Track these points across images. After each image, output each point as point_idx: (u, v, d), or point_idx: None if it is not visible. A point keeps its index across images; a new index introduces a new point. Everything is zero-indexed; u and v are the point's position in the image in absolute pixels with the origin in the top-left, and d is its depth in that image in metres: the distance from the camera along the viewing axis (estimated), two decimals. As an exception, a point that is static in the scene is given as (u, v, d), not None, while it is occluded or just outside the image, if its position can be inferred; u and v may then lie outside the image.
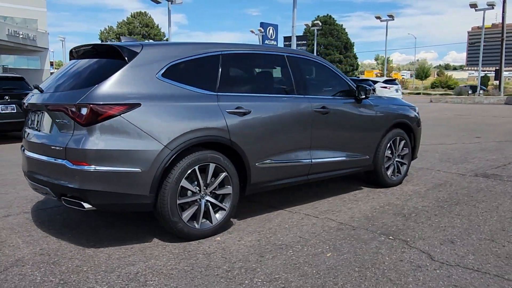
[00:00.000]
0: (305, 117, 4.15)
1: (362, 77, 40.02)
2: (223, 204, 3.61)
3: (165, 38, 72.00)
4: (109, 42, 3.49)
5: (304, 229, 3.76)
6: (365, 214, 4.19)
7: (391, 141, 5.13)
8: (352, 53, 59.87)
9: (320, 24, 44.60)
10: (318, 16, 59.09)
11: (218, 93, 3.61)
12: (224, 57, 3.77)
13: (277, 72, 4.32)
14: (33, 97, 3.62)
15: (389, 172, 5.20)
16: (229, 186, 3.61)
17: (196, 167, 3.38)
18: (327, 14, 59.10)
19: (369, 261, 3.09)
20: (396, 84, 22.77)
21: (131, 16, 70.52)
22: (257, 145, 3.77)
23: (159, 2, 28.65)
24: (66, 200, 3.17)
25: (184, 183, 3.32)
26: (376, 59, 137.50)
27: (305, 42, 22.71)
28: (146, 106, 3.17)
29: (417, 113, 5.65)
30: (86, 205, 3.08)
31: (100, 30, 72.70)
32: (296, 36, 22.48)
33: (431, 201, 4.65)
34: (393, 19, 41.39)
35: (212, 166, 3.47)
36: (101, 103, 3.02)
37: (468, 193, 4.98)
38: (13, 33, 34.39)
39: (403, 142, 5.31)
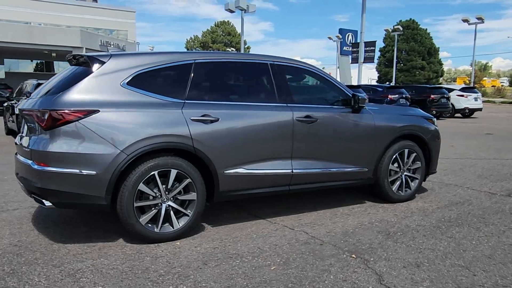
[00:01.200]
0: (285, 126, 4.06)
1: (444, 84, 37.65)
2: (187, 210, 3.67)
3: (245, 46, 73.94)
4: (84, 53, 3.72)
5: (269, 241, 3.69)
6: (346, 230, 3.98)
7: (397, 154, 4.81)
8: (437, 59, 56.36)
9: (401, 29, 42.68)
10: (400, 20, 56.63)
11: (186, 101, 3.69)
12: (197, 66, 3.84)
13: (257, 80, 4.28)
14: (21, 103, 3.99)
15: (394, 187, 4.87)
16: (193, 193, 3.66)
17: (156, 172, 3.48)
18: (410, 19, 56.33)
19: (311, 277, 2.96)
20: (476, 93, 21.03)
21: (215, 25, 73.36)
22: (226, 153, 3.78)
23: (233, 11, 29.54)
24: (34, 198, 3.44)
25: (141, 187, 3.44)
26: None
27: (373, 48, 21.87)
28: (105, 113, 3.34)
29: (435, 125, 5.24)
30: (47, 203, 3.33)
31: (186, 39, 76.58)
32: (365, 42, 21.78)
33: (432, 220, 4.29)
34: (483, 22, 38.34)
35: (173, 172, 3.55)
36: (59, 109, 3.25)
37: (482, 214, 4.51)
38: (104, 43, 37.52)
39: (413, 155, 4.95)
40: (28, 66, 39.69)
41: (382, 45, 58.16)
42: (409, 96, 17.71)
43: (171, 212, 3.60)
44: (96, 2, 44.41)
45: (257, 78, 4.24)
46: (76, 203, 3.38)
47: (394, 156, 4.81)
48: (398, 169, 4.89)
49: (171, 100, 3.64)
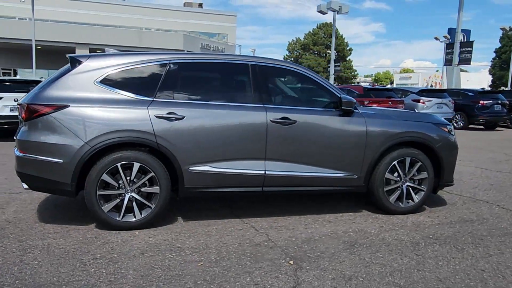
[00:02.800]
0: (257, 127, 4.05)
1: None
2: (151, 202, 3.88)
3: (347, 48, 72.40)
4: (72, 55, 4.12)
5: (223, 239, 3.73)
6: (311, 237, 3.85)
7: (395, 162, 4.48)
8: None
9: (521, 27, 38.22)
10: (523, 18, 50.48)
11: (154, 99, 3.90)
12: (172, 65, 4.03)
13: (234, 81, 4.32)
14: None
15: (392, 197, 4.54)
16: (156, 186, 3.86)
17: (119, 164, 3.75)
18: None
19: (227, 277, 2.97)
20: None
21: (317, 27, 73.05)
22: (191, 150, 3.90)
23: (325, 13, 29.23)
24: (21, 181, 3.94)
25: (105, 177, 3.73)
26: None
27: (469, 49, 19.86)
28: (74, 108, 3.70)
29: (449, 132, 4.75)
30: (24, 186, 3.80)
31: (288, 41, 77.46)
32: (460, 43, 19.97)
33: (417, 236, 3.93)
34: None
35: (136, 165, 3.79)
36: (35, 103, 3.69)
37: (486, 235, 4.01)
38: (205, 46, 39.78)
39: (418, 164, 4.56)
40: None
41: (499, 45, 52.56)
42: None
43: (134, 203, 3.84)
44: (201, 7, 47.17)
45: (234, 79, 4.29)
46: (46, 188, 3.80)
47: (392, 164, 4.47)
48: (397, 179, 4.54)
49: (140, 98, 3.88)
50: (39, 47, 34.39)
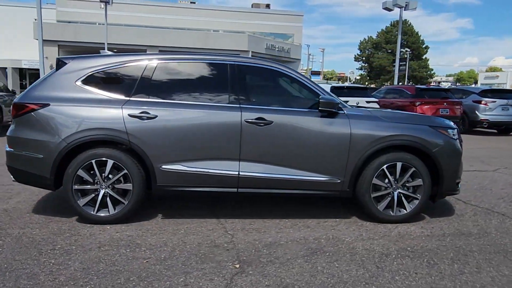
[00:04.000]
0: (231, 127, 4.02)
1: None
2: (125, 198, 4.01)
3: (423, 46, 68.85)
4: (60, 56, 4.37)
5: (186, 238, 3.75)
6: (276, 241, 3.75)
7: (384, 167, 4.20)
8: None
9: None
10: None
11: (130, 99, 4.03)
12: (149, 66, 4.13)
13: (211, 81, 4.29)
14: None
15: (381, 205, 4.27)
16: (129, 183, 3.99)
17: (93, 161, 3.93)
18: None
19: (157, 275, 2.99)
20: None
21: (391, 25, 70.24)
22: (162, 149, 3.97)
23: (391, 10, 28.02)
24: (13, 174, 4.27)
25: (80, 172, 3.93)
26: None
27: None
28: (54, 106, 3.94)
29: (450, 136, 4.36)
30: (12, 178, 4.11)
31: (360, 40, 75.43)
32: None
33: (395, 248, 3.67)
34: None
35: (110, 162, 3.94)
36: (20, 102, 3.98)
37: (476, 250, 3.64)
38: (270, 46, 40.01)
39: (411, 170, 4.24)
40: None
41: None
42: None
43: (108, 199, 3.99)
44: (269, 8, 47.47)
45: (212, 78, 4.28)
46: (30, 181, 4.07)
47: (381, 169, 4.21)
48: (387, 185, 4.26)
49: (116, 97, 4.02)
50: (114, 50, 36.84)
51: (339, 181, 4.19)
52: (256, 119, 4.04)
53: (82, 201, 3.97)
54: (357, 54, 74.04)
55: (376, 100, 13.11)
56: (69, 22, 36.51)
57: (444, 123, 4.48)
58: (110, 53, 4.52)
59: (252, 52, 37.52)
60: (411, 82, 55.06)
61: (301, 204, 4.87)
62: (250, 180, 4.10)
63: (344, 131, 4.14)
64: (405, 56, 55.41)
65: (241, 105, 4.10)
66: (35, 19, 33.20)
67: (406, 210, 4.31)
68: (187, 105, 4.07)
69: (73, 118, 3.92)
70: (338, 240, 3.80)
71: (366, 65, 73.63)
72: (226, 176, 4.06)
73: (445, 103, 13.29)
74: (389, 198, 4.28)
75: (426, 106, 13.22)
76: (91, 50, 29.52)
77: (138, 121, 3.94)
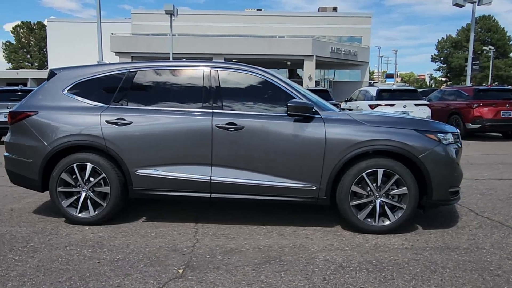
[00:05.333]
0: (202, 132, 4.05)
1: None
2: (104, 201, 4.21)
3: (510, 43, 63.55)
4: (52, 67, 4.69)
5: (151, 242, 3.83)
6: (237, 248, 3.71)
7: (364, 174, 3.98)
8: None
9: None
10: None
11: (110, 106, 4.22)
12: (129, 74, 4.31)
13: (185, 87, 4.32)
14: None
15: (362, 214, 4.03)
16: (107, 187, 4.18)
17: (75, 165, 4.17)
18: None
19: (102, 274, 3.10)
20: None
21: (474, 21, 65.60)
22: (137, 154, 4.11)
23: (462, 6, 26.22)
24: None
25: (63, 175, 4.19)
26: None
27: None
28: (42, 114, 4.25)
29: (440, 141, 4.00)
30: (9, 180, 4.49)
31: (438, 39, 71.41)
32: None
33: (359, 260, 3.46)
34: None
35: (89, 166, 4.16)
36: (14, 110, 4.34)
37: (452, 266, 3.32)
38: (335, 50, 39.34)
39: (394, 177, 3.97)
40: (273, 74, 45.13)
41: None
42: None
43: (88, 201, 4.21)
44: (336, 11, 46.73)
45: (187, 84, 4.33)
46: (22, 183, 4.42)
47: (360, 176, 3.98)
48: (368, 193, 4.02)
49: (97, 104, 4.24)
50: (183, 59, 38.51)
51: (314, 188, 4.03)
52: (227, 124, 4.03)
53: (65, 203, 4.22)
54: (434, 55, 70.23)
55: (427, 102, 12.34)
56: (142, 34, 38.82)
57: (434, 127, 4.13)
58: (105, 62, 4.77)
59: (316, 56, 37.19)
60: (496, 83, 50.89)
61: (288, 212, 4.75)
62: (222, 186, 4.09)
63: (318, 136, 3.98)
64: (489, 54, 51.38)
65: (213, 110, 4.11)
66: (112, 33, 35.75)
67: (390, 220, 4.03)
68: (161, 111, 4.17)
69: (58, 125, 4.20)
70: (303, 249, 3.66)
71: (445, 65, 69.55)
72: (198, 181, 4.09)
73: (507, 105, 12.13)
74: (370, 207, 4.03)
75: (485, 108, 12.17)
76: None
77: (114, 127, 4.12)
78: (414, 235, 4.04)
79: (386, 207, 4.03)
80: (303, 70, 38.10)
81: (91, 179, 4.20)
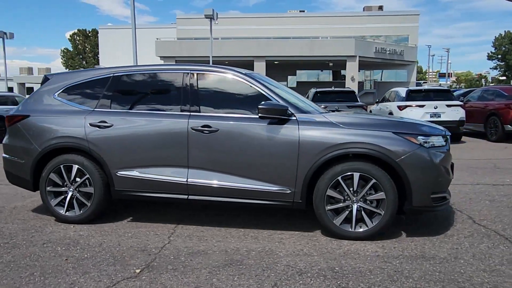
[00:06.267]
0: (179, 135, 4.10)
1: None
2: (89, 201, 4.37)
3: None
4: (47, 73, 4.91)
5: (124, 242, 3.92)
6: (204, 250, 3.72)
7: (339, 177, 3.86)
8: None
9: None
10: None
11: (95, 109, 4.38)
12: (114, 79, 4.45)
13: (165, 90, 4.37)
14: None
15: (338, 219, 3.92)
16: (91, 187, 4.33)
17: (62, 166, 4.37)
18: None
19: (58, 271, 3.22)
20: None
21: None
22: (118, 155, 4.23)
23: (511, 1, 24.68)
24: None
25: (52, 176, 4.39)
26: None
27: None
28: (33, 117, 4.48)
29: (421, 145, 3.80)
30: (7, 181, 4.77)
31: (495, 36, 67.62)
32: None
33: (321, 267, 3.36)
34: None
35: (75, 167, 4.34)
36: (10, 114, 4.61)
37: (417, 277, 3.15)
38: (380, 50, 38.32)
39: (371, 182, 3.82)
40: (316, 75, 44.83)
41: None
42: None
43: (74, 200, 4.39)
44: (382, 10, 45.52)
45: (166, 87, 4.39)
46: (17, 182, 4.67)
47: (336, 180, 3.87)
48: (344, 197, 3.90)
49: (83, 108, 4.41)
50: (226, 62, 39.03)
51: (289, 191, 3.96)
52: (202, 126, 4.06)
53: (53, 202, 4.42)
54: (491, 52, 66.60)
55: (459, 103, 11.71)
56: (186, 39, 39.76)
57: (414, 129, 3.93)
58: (99, 67, 4.95)
59: (359, 57, 36.42)
60: None
61: (278, 216, 4.69)
62: (198, 188, 4.11)
63: (292, 138, 3.91)
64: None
65: (190, 113, 4.15)
66: (157, 39, 36.90)
67: (367, 226, 3.87)
68: (141, 113, 4.27)
69: (47, 128, 4.41)
70: (270, 254, 3.60)
71: (503, 64, 65.78)
72: (175, 183, 4.15)
73: (549, 105, 11.27)
74: (347, 212, 3.90)
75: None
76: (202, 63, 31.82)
77: (97, 129, 4.26)
78: (393, 242, 3.86)
79: (363, 213, 3.88)
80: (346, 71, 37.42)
81: (77, 179, 4.37)
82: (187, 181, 4.11)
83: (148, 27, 48.98)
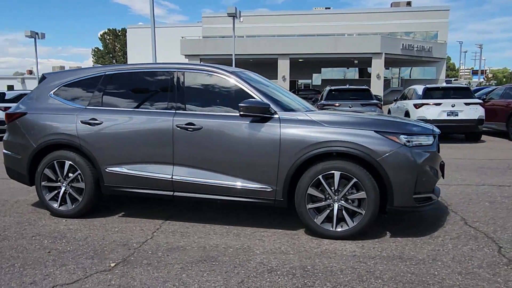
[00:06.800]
0: (164, 132, 4.17)
1: None
2: (80, 196, 4.51)
3: None
4: (45, 72, 5.07)
5: (108, 236, 4.02)
6: (183, 246, 3.77)
7: (320, 176, 3.84)
8: None
9: None
10: None
11: (87, 107, 4.51)
12: (105, 77, 4.56)
13: (153, 88, 4.43)
14: None
15: (320, 218, 3.90)
16: (82, 183, 4.47)
17: (55, 162, 4.52)
18: None
19: (41, 265, 3.35)
20: None
21: None
22: (107, 152, 4.34)
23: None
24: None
25: (46, 171, 4.56)
26: None
27: None
28: (29, 115, 4.65)
29: (405, 144, 3.74)
30: (7, 176, 4.97)
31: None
32: None
33: (290, 266, 3.35)
34: None
35: (67, 163, 4.49)
36: (9, 111, 4.80)
37: (388, 278, 3.11)
38: (407, 47, 37.51)
39: (352, 181, 3.79)
40: (342, 73, 44.29)
41: None
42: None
43: (67, 195, 4.54)
44: (410, 5, 44.53)
45: (154, 86, 4.46)
46: (15, 177, 4.85)
47: (317, 179, 3.85)
48: (325, 196, 3.88)
49: (76, 106, 4.55)
50: (250, 61, 39.13)
51: (271, 189, 3.97)
52: (186, 124, 4.12)
53: (48, 196, 4.58)
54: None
55: (479, 101, 11.34)
56: (212, 37, 40.07)
57: (397, 128, 3.85)
58: (91, 67, 5.09)
59: (385, 54, 35.78)
60: None
61: (264, 214, 4.70)
62: (183, 185, 4.18)
63: (273, 136, 3.92)
64: None
65: (176, 111, 4.21)
66: (182, 37, 37.35)
67: (348, 226, 3.84)
68: (129, 111, 4.36)
69: (42, 125, 4.57)
70: (247, 251, 3.63)
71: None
72: (161, 179, 4.22)
73: None
74: (328, 211, 3.88)
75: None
76: (227, 62, 31.98)
77: (88, 126, 4.39)
78: (374, 242, 3.81)
79: (344, 212, 3.84)
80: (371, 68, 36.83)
81: (70, 175, 4.51)
82: (172, 178, 4.18)
83: (176, 26, 49.70)
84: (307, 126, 3.89)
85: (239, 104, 3.91)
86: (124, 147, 4.30)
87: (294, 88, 41.77)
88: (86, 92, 4.62)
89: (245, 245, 3.76)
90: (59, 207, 4.56)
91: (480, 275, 3.11)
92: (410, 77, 44.08)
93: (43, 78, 4.87)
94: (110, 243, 3.82)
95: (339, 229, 3.85)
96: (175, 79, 4.32)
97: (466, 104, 11.08)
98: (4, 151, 4.88)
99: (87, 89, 4.63)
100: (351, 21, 41.95)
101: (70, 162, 4.46)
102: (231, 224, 4.36)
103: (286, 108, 4.11)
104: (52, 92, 4.71)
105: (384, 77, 38.60)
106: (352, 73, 44.62)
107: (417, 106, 11.36)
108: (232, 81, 4.23)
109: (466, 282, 3.00)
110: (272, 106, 4.01)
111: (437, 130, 4.23)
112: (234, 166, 4.03)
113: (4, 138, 4.91)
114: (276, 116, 3.98)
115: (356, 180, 3.76)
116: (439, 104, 11.14)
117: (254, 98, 4.08)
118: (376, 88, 35.83)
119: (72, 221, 4.46)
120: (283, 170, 3.90)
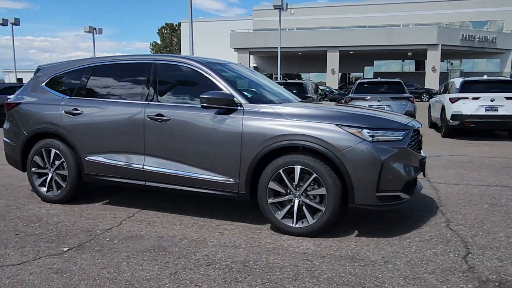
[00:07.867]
0: (136, 123, 4.25)
1: None
2: (64, 182, 4.72)
3: None
4: (40, 65, 5.29)
5: (81, 223, 4.18)
6: (144, 235, 3.84)
7: (281, 170, 3.74)
8: None
9: None
10: None
11: (72, 97, 4.70)
12: (91, 68, 4.72)
13: (130, 79, 4.48)
14: None
15: (280, 213, 3.80)
16: (66, 170, 4.68)
17: (43, 149, 4.76)
18: None
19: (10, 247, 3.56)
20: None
21: None
22: (86, 141, 4.50)
23: None
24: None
25: (35, 158, 4.81)
26: None
27: None
28: (23, 105, 4.93)
29: (367, 139, 3.54)
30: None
31: None
32: None
33: (234, 260, 3.30)
34: None
35: (53, 151, 4.71)
36: (7, 102, 5.11)
37: (327, 277, 3.00)
38: (467, 37, 35.40)
39: (312, 176, 3.66)
40: (398, 65, 42.61)
41: None
42: None
43: (53, 182, 4.77)
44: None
45: (132, 77, 4.52)
46: (12, 163, 5.16)
47: (277, 173, 3.76)
48: (286, 191, 3.78)
49: (62, 96, 4.75)
50: (299, 53, 38.72)
51: (233, 182, 3.92)
52: (156, 115, 4.16)
53: (37, 182, 4.84)
54: None
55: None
56: (262, 30, 40.08)
57: (360, 122, 3.64)
58: (81, 58, 5.27)
59: (442, 45, 34.02)
60: None
61: (241, 208, 4.66)
62: (153, 175, 4.24)
63: (235, 129, 3.86)
64: None
65: (148, 102, 4.27)
66: (232, 31, 37.75)
67: (308, 222, 3.71)
68: (107, 102, 4.49)
69: (33, 114, 4.82)
70: (199, 243, 3.62)
71: None
72: (133, 169, 4.32)
73: None
74: (289, 206, 3.77)
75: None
76: (276, 55, 31.91)
77: (70, 116, 4.57)
78: (334, 240, 3.65)
79: (304, 208, 3.71)
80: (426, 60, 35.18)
81: (56, 162, 4.72)
82: (143, 168, 4.25)
83: (227, 20, 50.22)
84: (268, 118, 3.79)
85: (200, 96, 3.89)
86: (101, 136, 4.43)
87: (344, 81, 40.73)
88: (72, 83, 4.81)
89: (201, 237, 3.75)
90: (46, 192, 4.79)
91: (427, 281, 2.89)
92: (472, 69, 41.51)
93: (38, 70, 5.13)
94: (77, 229, 3.97)
95: (298, 226, 3.73)
96: (150, 71, 4.38)
97: (507, 98, 10.25)
98: (4, 138, 5.21)
99: (73, 80, 4.82)
100: (405, 11, 40.18)
101: (56, 150, 4.67)
102: (201, 216, 4.36)
103: (254, 100, 4.03)
104: (43, 84, 4.95)
105: (444, 71, 36.72)
106: (408, 66, 42.79)
107: (452, 100, 10.69)
108: (203, 73, 4.21)
109: (406, 288, 2.79)
110: (238, 97, 3.95)
111: (415, 124, 3.96)
112: (199, 157, 4.02)
113: (4, 126, 5.24)
114: (241, 108, 3.91)
115: (316, 175, 3.61)
116: (477, 98, 10.41)
117: (221, 89, 4.04)
118: (432, 81, 34.16)
119: (56, 206, 4.67)
120: (245, 163, 3.83)
